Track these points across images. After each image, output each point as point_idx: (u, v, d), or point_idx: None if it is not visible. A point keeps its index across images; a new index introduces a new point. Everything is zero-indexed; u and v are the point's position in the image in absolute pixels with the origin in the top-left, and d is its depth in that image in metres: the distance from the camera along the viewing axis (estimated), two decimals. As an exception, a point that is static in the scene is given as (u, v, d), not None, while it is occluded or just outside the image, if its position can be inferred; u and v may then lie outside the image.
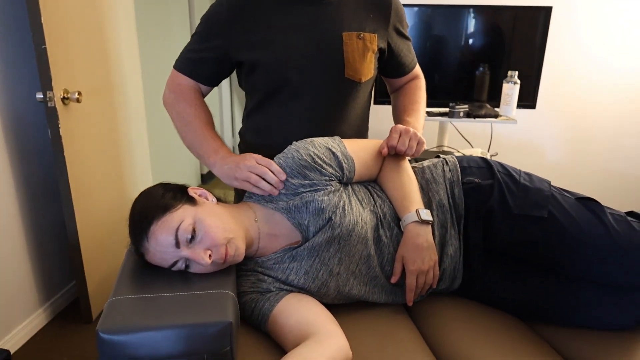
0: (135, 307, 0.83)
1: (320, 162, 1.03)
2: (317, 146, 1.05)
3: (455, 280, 1.13)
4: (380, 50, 1.21)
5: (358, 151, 1.10)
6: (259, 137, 1.23)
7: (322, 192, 1.01)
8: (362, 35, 1.14)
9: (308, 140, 1.07)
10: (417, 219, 1.02)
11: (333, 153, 1.06)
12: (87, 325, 1.98)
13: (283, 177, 1.02)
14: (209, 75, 1.20)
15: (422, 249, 1.01)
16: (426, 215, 1.03)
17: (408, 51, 1.29)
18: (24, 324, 1.90)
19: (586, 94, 2.70)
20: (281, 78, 1.14)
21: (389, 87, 1.37)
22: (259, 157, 1.04)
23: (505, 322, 1.08)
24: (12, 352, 1.80)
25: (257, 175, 1.01)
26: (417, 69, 1.36)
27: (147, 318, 0.80)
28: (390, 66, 1.28)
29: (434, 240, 1.09)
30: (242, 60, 1.16)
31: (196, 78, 1.19)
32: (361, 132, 1.31)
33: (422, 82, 1.34)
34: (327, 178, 1.03)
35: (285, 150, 1.06)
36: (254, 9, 1.13)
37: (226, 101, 4.08)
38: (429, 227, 1.04)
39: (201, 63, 1.18)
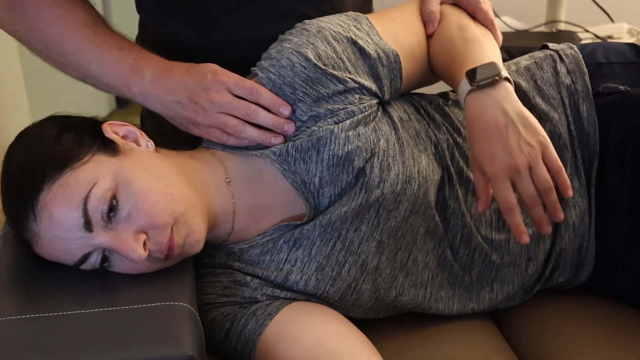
0: (25, 336, 0.80)
1: (338, 67, 0.96)
2: (329, 37, 0.98)
3: (581, 269, 1.05)
4: None
5: (397, 31, 1.02)
6: (191, 30, 1.11)
7: (347, 121, 0.94)
8: None
9: (310, 26, 0.98)
10: (470, 86, 0.91)
11: (361, 49, 0.97)
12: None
13: (287, 111, 0.95)
14: None
15: (495, 129, 0.87)
16: (489, 70, 0.90)
17: None
18: None
19: None
20: None
21: None
22: (228, 78, 0.95)
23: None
24: None
25: (237, 118, 0.94)
26: None
27: (49, 354, 0.77)
28: None
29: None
30: None
31: None
32: (370, 8, 1.24)
33: None
34: (356, 94, 0.96)
35: (273, 53, 0.97)
36: None
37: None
38: (505, 87, 0.90)
39: None
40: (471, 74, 0.91)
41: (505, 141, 0.86)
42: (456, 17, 1.05)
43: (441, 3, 1.07)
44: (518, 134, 0.87)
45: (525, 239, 0.87)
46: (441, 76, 1.04)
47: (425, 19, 1.06)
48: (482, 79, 0.90)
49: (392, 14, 1.08)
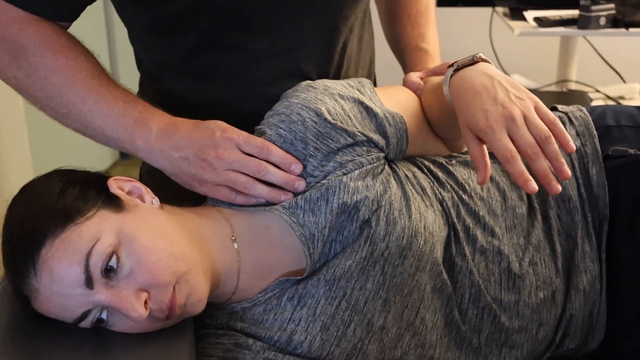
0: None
1: (346, 123, 0.97)
2: (337, 96, 0.99)
3: (592, 335, 1.04)
4: None
5: (396, 96, 1.06)
6: (190, 87, 1.11)
7: (355, 172, 0.95)
8: None
9: (316, 84, 0.99)
10: (451, 71, 0.97)
11: (367, 109, 0.99)
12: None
13: (299, 169, 0.95)
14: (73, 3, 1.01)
15: (483, 88, 0.91)
16: (468, 57, 0.97)
17: None
18: None
19: None
20: (234, 8, 1.03)
21: None
22: (238, 135, 0.95)
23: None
24: None
25: (246, 175, 0.94)
26: None
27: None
28: None
29: (556, 265, 1.02)
30: None
31: (52, 12, 1.01)
32: (371, 71, 1.26)
33: None
34: (364, 147, 0.98)
35: (281, 109, 0.97)
36: None
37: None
38: (486, 64, 0.96)
39: None
40: (451, 65, 0.97)
41: (495, 96, 0.89)
42: (439, 77, 1.08)
43: (423, 78, 1.13)
44: (506, 90, 0.90)
45: (533, 186, 0.84)
46: (435, 124, 1.08)
47: (412, 88, 1.11)
48: (462, 62, 0.95)
49: (385, 86, 1.11)
